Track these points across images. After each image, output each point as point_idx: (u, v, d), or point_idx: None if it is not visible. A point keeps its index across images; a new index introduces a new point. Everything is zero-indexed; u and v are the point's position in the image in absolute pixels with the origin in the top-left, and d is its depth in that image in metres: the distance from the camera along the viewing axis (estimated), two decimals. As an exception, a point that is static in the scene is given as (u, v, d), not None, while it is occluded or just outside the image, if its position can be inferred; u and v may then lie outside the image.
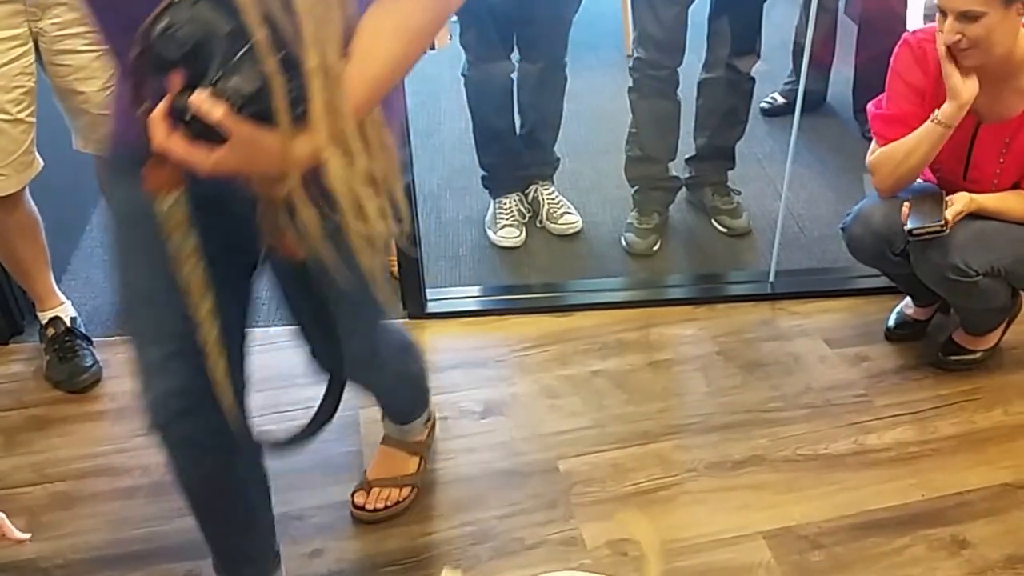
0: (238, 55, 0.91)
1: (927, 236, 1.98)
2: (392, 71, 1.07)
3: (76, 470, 2.09)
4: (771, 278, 2.60)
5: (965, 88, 1.92)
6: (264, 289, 2.59)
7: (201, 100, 0.91)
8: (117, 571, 1.86)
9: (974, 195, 2.03)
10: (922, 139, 2.00)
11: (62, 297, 2.38)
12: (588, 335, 2.46)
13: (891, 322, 2.43)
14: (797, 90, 2.46)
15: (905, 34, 2.08)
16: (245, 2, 0.91)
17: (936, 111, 1.97)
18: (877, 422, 2.17)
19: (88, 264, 2.74)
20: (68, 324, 2.34)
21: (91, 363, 2.32)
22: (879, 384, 2.29)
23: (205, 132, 0.93)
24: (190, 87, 0.92)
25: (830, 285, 2.60)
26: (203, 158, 0.96)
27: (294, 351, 2.43)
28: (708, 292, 2.62)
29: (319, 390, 2.25)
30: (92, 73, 2.11)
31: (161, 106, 0.94)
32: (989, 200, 2.04)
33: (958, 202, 2.01)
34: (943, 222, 1.97)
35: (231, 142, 0.95)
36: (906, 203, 2.03)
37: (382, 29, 1.04)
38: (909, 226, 1.99)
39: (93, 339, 2.39)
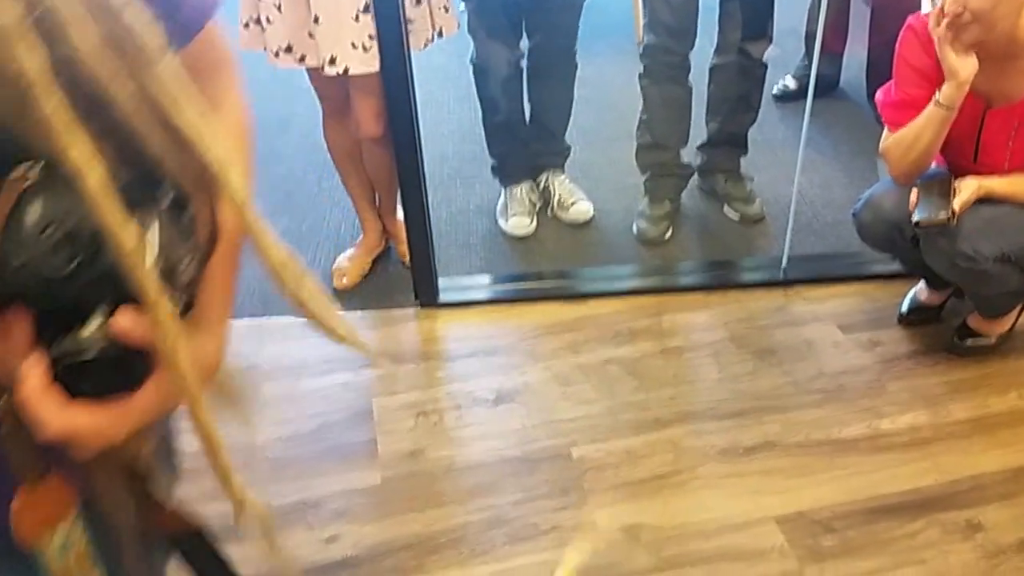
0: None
1: (935, 223, 2.02)
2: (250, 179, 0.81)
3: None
4: (784, 264, 2.63)
5: (962, 67, 1.94)
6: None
7: (129, 320, 0.57)
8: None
9: (983, 180, 2.06)
10: (927, 123, 2.03)
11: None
12: (600, 323, 2.51)
13: (904, 307, 2.47)
14: (809, 75, 2.50)
15: (909, 18, 2.11)
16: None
17: (937, 92, 2.00)
18: (890, 407, 2.21)
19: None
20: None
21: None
22: (892, 369, 2.32)
23: (110, 374, 0.59)
24: (76, 313, 0.57)
25: (843, 270, 2.64)
26: (124, 415, 0.62)
27: (307, 340, 2.49)
28: (720, 279, 2.67)
29: (332, 379, 2.33)
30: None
31: (40, 368, 0.57)
32: (998, 184, 2.07)
33: (965, 190, 2.04)
34: (950, 214, 2.00)
35: (169, 367, 0.60)
36: (914, 191, 2.06)
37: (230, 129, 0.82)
38: (916, 218, 2.03)
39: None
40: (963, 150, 2.14)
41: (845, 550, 1.89)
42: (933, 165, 2.14)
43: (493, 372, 2.36)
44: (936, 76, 2.05)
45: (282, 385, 2.32)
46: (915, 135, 2.06)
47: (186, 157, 0.60)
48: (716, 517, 1.96)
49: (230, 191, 0.62)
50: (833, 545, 1.90)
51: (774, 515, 1.96)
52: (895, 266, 2.46)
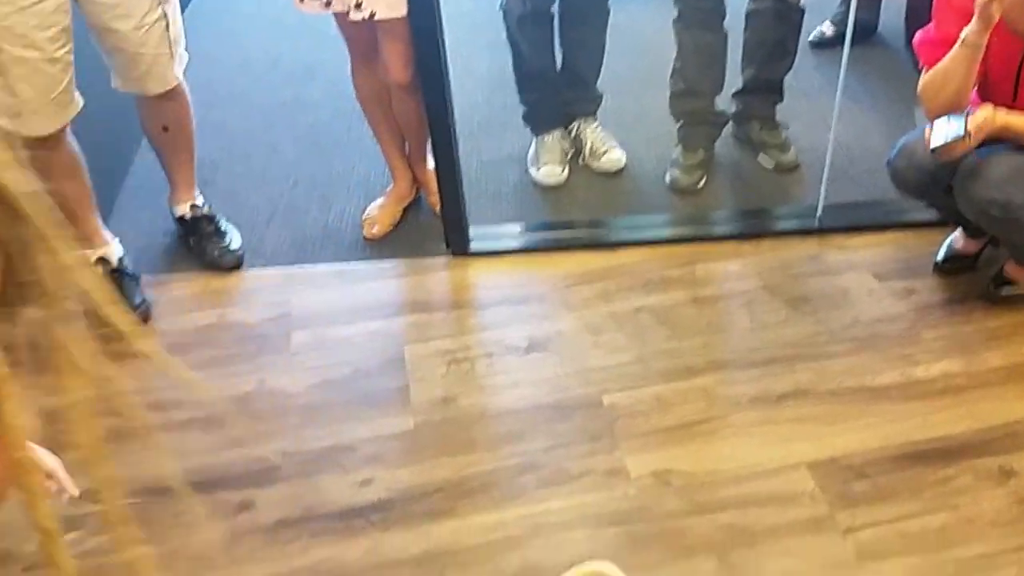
0: None
1: (951, 149, 2.02)
2: None
3: (129, 405, 2.21)
4: (818, 212, 2.65)
5: (996, 10, 1.93)
6: (307, 226, 2.71)
7: None
8: (170, 501, 1.99)
9: (999, 109, 2.06)
10: (954, 63, 2.03)
11: (108, 237, 2.50)
12: (632, 272, 2.54)
13: (940, 255, 2.48)
14: (847, 20, 2.49)
15: None
16: None
17: (964, 30, 2.00)
18: (924, 354, 2.24)
19: (133, 203, 2.86)
20: (115, 264, 2.46)
21: (140, 301, 2.44)
22: (927, 317, 2.35)
23: None
24: None
25: (879, 218, 2.66)
26: None
27: (337, 289, 2.56)
28: (754, 227, 2.69)
29: (364, 327, 2.38)
30: (127, 11, 2.20)
31: None
32: (1015, 118, 2.05)
33: (979, 115, 2.03)
34: (964, 133, 2.00)
35: None
36: (927, 128, 2.07)
37: None
38: (932, 146, 2.04)
39: (141, 277, 2.52)
40: (1002, 90, 2.13)
41: (877, 495, 1.93)
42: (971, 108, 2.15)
43: (524, 320, 2.41)
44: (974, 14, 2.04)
45: (314, 333, 2.38)
46: (944, 75, 2.06)
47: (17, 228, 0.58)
48: (747, 463, 2.01)
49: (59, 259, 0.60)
50: (865, 490, 1.94)
51: (806, 461, 2.00)
52: (931, 214, 2.47)
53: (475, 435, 2.11)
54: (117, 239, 2.52)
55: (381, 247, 2.67)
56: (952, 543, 1.84)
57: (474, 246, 2.63)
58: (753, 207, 2.80)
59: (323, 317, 2.43)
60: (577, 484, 1.98)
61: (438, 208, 2.64)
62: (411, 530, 1.90)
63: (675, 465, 2.01)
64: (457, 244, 2.62)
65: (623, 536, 1.88)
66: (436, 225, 2.66)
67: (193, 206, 2.64)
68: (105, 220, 2.56)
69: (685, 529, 1.88)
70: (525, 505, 1.94)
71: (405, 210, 2.78)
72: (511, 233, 2.72)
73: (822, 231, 2.63)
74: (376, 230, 2.70)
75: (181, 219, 2.65)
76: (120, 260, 2.48)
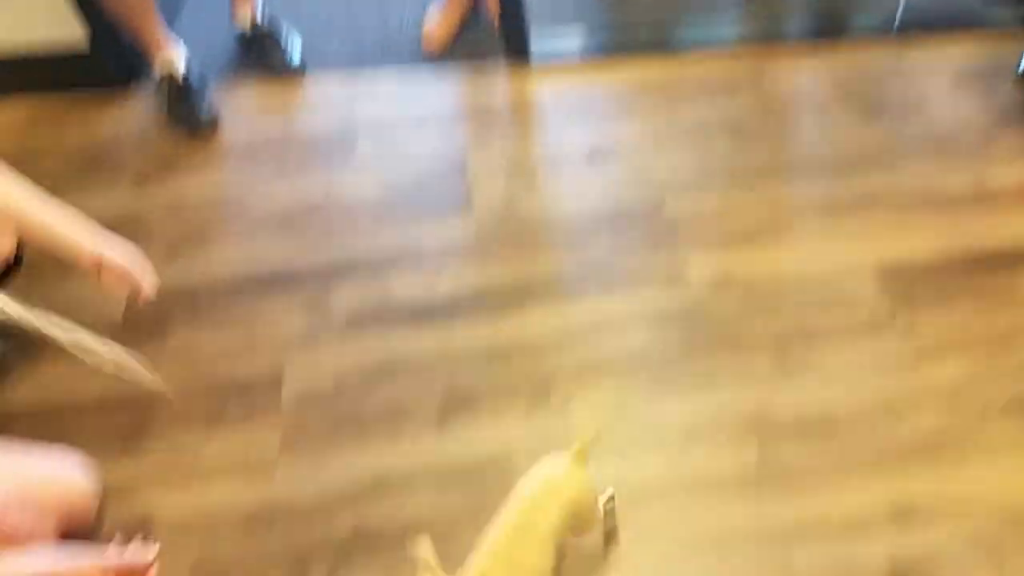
0: None
1: None
2: None
3: (205, 207, 2.31)
4: (898, 15, 2.58)
5: None
6: (366, 36, 2.70)
7: None
8: (249, 296, 2.10)
9: None
10: None
11: (175, 44, 2.54)
12: (697, 77, 2.52)
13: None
14: None
15: None
16: None
17: None
18: (999, 162, 2.21)
19: (200, 8, 2.89)
20: (183, 71, 2.51)
21: (207, 112, 2.51)
22: (1006, 124, 2.30)
23: None
24: None
25: (961, 22, 2.58)
26: None
27: (399, 99, 2.58)
28: (829, 30, 2.62)
29: (426, 134, 2.42)
30: None
31: None
32: None
33: None
34: None
35: None
36: None
37: None
38: None
39: (208, 87, 2.58)
40: None
41: (940, 299, 1.95)
42: None
43: (586, 128, 2.42)
44: None
45: (378, 141, 2.43)
46: None
47: None
48: (810, 267, 2.04)
49: None
50: (928, 294, 1.96)
51: (870, 265, 2.02)
52: (1016, 19, 2.40)
53: (538, 239, 2.17)
54: (183, 47, 2.56)
55: (441, 59, 2.68)
56: (1012, 347, 1.87)
57: (535, 55, 2.62)
58: (828, 10, 2.73)
59: (386, 126, 2.47)
60: (638, 286, 2.04)
61: (497, 19, 2.63)
62: (479, 325, 1.99)
63: (736, 268, 2.05)
64: (517, 53, 2.62)
65: (681, 333, 1.94)
66: (495, 36, 2.65)
67: (253, 24, 2.67)
68: (171, 26, 2.59)
69: (743, 328, 1.94)
70: (587, 304, 2.01)
71: (463, 21, 2.77)
72: (573, 40, 2.70)
73: (900, 34, 2.56)
74: (435, 41, 2.70)
75: (242, 36, 2.69)
76: (187, 67, 2.53)
